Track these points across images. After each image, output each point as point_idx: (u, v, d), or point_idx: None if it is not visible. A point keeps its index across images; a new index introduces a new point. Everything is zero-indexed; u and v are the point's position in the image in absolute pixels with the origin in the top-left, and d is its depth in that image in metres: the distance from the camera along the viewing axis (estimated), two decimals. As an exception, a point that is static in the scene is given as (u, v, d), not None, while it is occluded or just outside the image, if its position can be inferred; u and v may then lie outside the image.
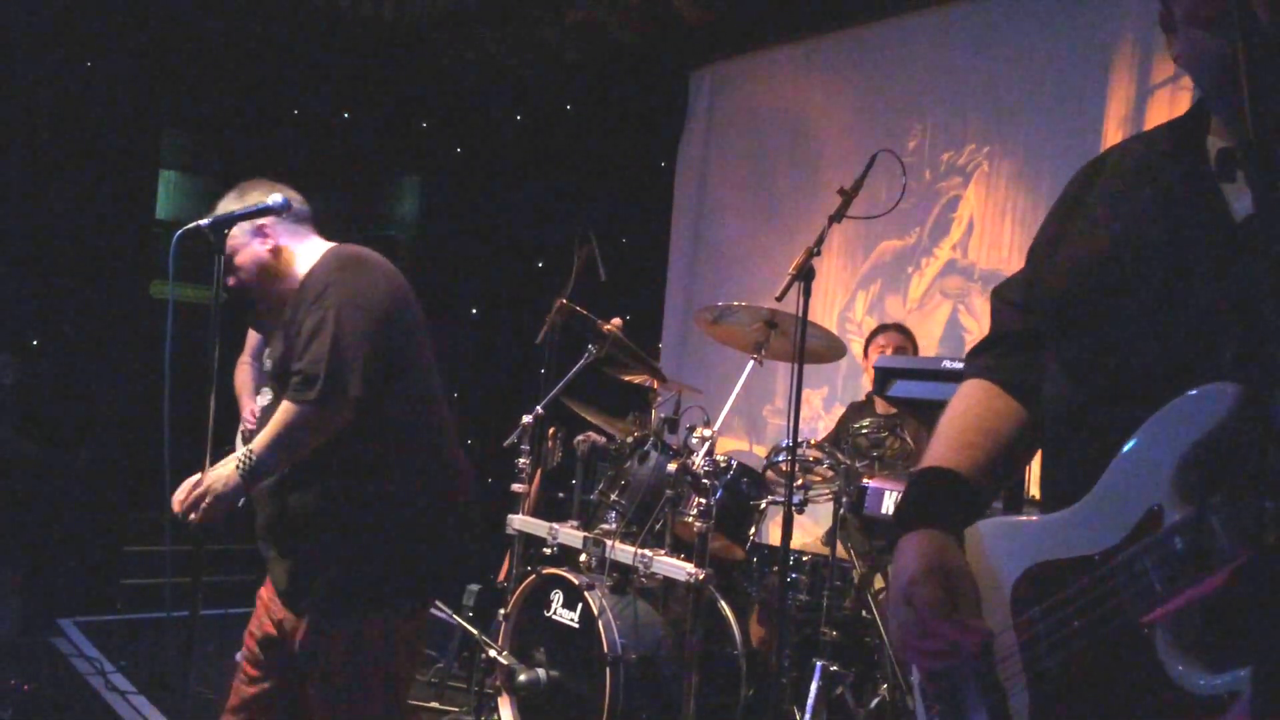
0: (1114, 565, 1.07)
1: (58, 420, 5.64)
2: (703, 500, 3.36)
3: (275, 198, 2.42)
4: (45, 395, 5.63)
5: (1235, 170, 1.15)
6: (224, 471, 2.28)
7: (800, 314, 3.04)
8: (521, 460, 3.95)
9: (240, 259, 2.46)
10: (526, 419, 3.94)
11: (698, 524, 3.31)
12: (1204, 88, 1.19)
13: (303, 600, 2.37)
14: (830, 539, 3.58)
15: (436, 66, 6.89)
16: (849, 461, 3.57)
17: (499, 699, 3.67)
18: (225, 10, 6.12)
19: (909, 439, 3.70)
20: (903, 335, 4.42)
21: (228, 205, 2.46)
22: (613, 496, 3.70)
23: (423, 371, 2.46)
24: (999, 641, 1.20)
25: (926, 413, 3.44)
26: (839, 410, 4.82)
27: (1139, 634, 1.03)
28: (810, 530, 4.62)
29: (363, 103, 7.01)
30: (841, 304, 5.43)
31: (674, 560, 3.37)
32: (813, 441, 3.69)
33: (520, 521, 3.92)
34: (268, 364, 2.47)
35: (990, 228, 4.74)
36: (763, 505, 3.77)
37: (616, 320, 4.10)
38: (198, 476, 2.40)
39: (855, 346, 4.77)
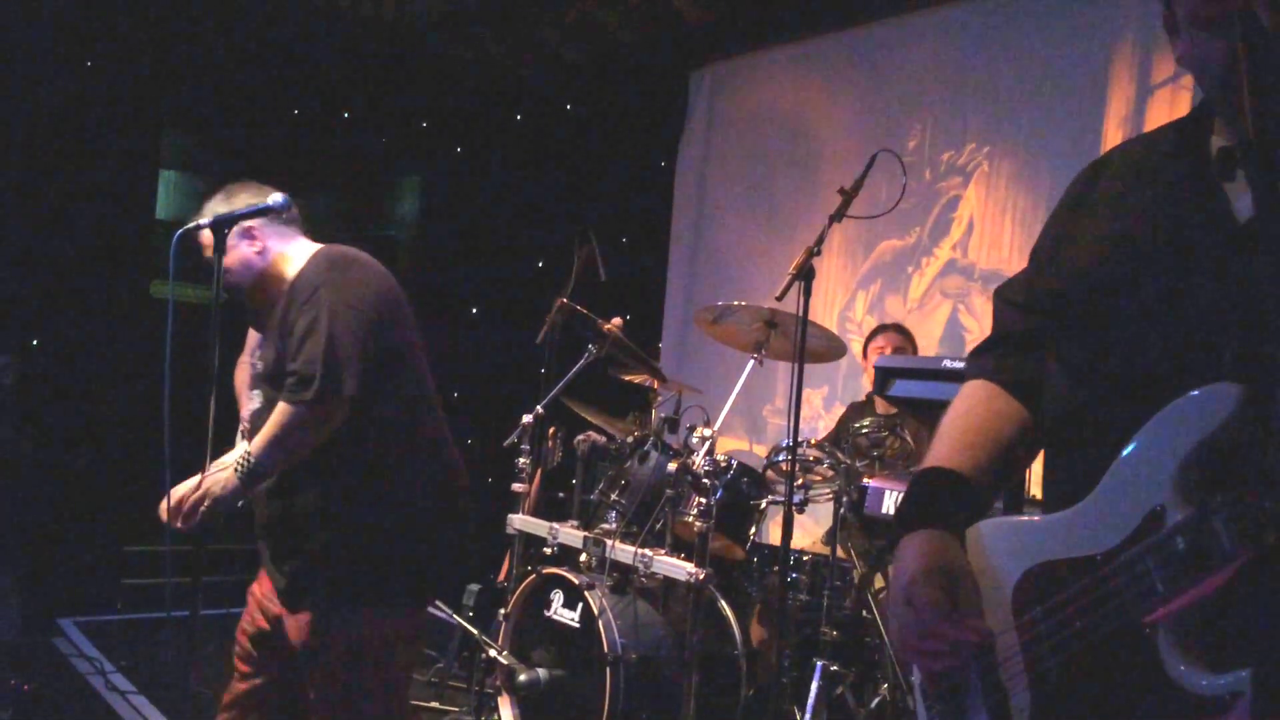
0: (1116, 565, 1.07)
1: (58, 420, 5.64)
2: (703, 500, 3.37)
3: (276, 198, 2.42)
4: (45, 395, 5.63)
5: (1235, 169, 1.15)
6: (222, 474, 2.29)
7: (800, 314, 3.04)
8: (522, 460, 3.95)
9: (228, 261, 2.47)
10: (526, 419, 3.93)
11: (698, 524, 3.31)
12: (1207, 89, 1.19)
13: (303, 599, 2.37)
14: (830, 539, 3.58)
15: (436, 66, 6.89)
16: (849, 461, 3.57)
17: (499, 699, 3.67)
18: (225, 10, 6.11)
19: (909, 439, 3.70)
20: (902, 335, 4.42)
21: (215, 207, 2.47)
22: (613, 496, 3.70)
23: (416, 370, 2.47)
24: (1001, 642, 1.20)
25: (927, 412, 3.44)
26: (839, 410, 4.82)
27: (1141, 634, 1.03)
28: (810, 530, 4.62)
29: (363, 102, 7.00)
30: (842, 304, 5.43)
31: (674, 560, 3.37)
32: (813, 441, 3.69)
33: (520, 521, 3.92)
34: (259, 366, 2.47)
35: (990, 227, 4.75)
36: (763, 505, 3.77)
37: (616, 320, 4.10)
38: (185, 486, 2.43)
39: (855, 346, 4.77)
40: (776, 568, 3.55)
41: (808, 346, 3.07)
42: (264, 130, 6.69)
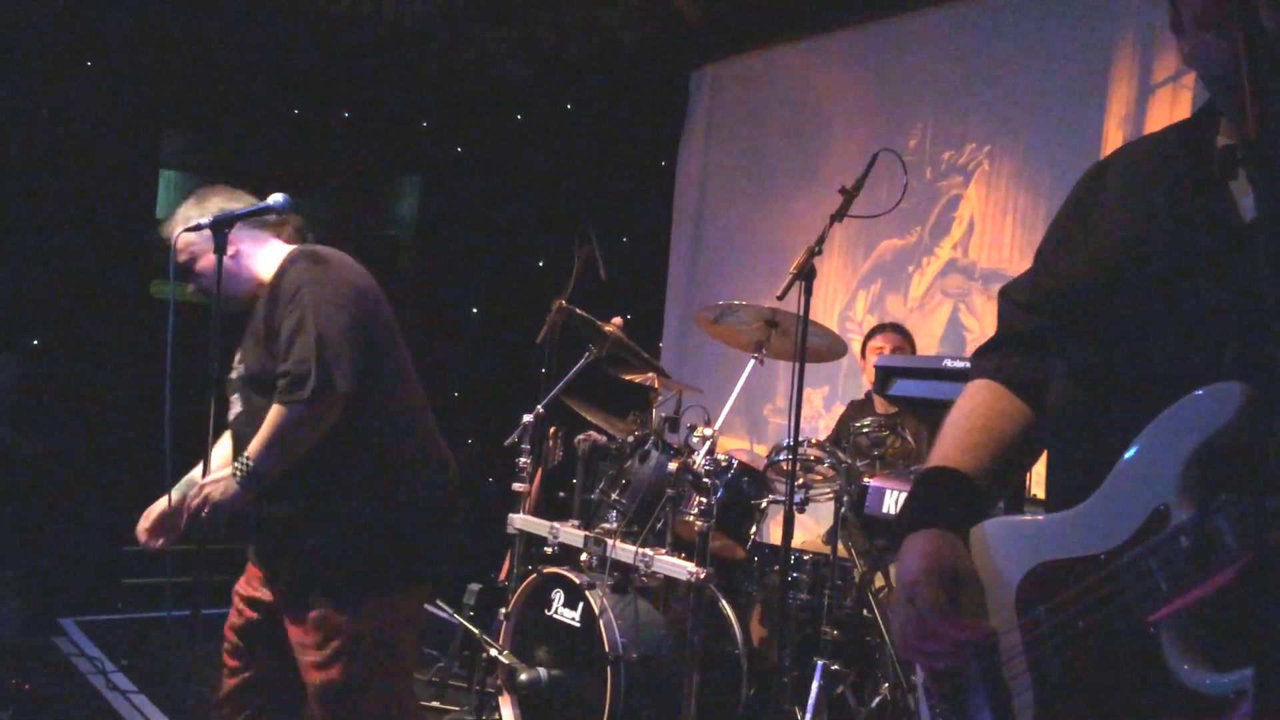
0: (1120, 565, 1.08)
1: (58, 419, 5.64)
2: (704, 499, 3.37)
3: (276, 198, 2.42)
4: (46, 395, 5.63)
5: (1236, 169, 1.15)
6: (222, 479, 2.29)
7: (801, 313, 3.04)
8: (522, 459, 3.95)
9: (200, 265, 2.47)
10: (527, 418, 3.94)
11: (699, 523, 3.31)
12: (1213, 89, 1.20)
13: (304, 597, 2.38)
14: (831, 538, 3.58)
15: (436, 66, 6.89)
16: (850, 461, 3.57)
17: (500, 698, 3.67)
18: (225, 10, 6.11)
19: (910, 438, 3.70)
20: (900, 335, 4.42)
21: (187, 212, 2.48)
22: (614, 496, 3.70)
23: (399, 363, 2.49)
24: (1004, 641, 1.20)
25: (927, 411, 3.44)
26: (840, 409, 4.82)
27: (1145, 633, 1.03)
28: (811, 529, 4.62)
29: (363, 102, 7.00)
30: (842, 303, 5.43)
31: (675, 559, 3.37)
32: (814, 440, 3.69)
33: (521, 521, 3.92)
34: (238, 370, 2.46)
35: (991, 227, 4.74)
36: (763, 504, 3.77)
37: (617, 320, 4.10)
38: (160, 504, 2.45)
39: (856, 346, 4.77)
40: (777, 567, 3.54)
41: (808, 346, 3.07)
42: (264, 130, 6.69)
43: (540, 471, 4.38)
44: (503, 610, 3.74)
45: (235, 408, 2.49)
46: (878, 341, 4.40)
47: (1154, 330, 1.15)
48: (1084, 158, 4.28)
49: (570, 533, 3.73)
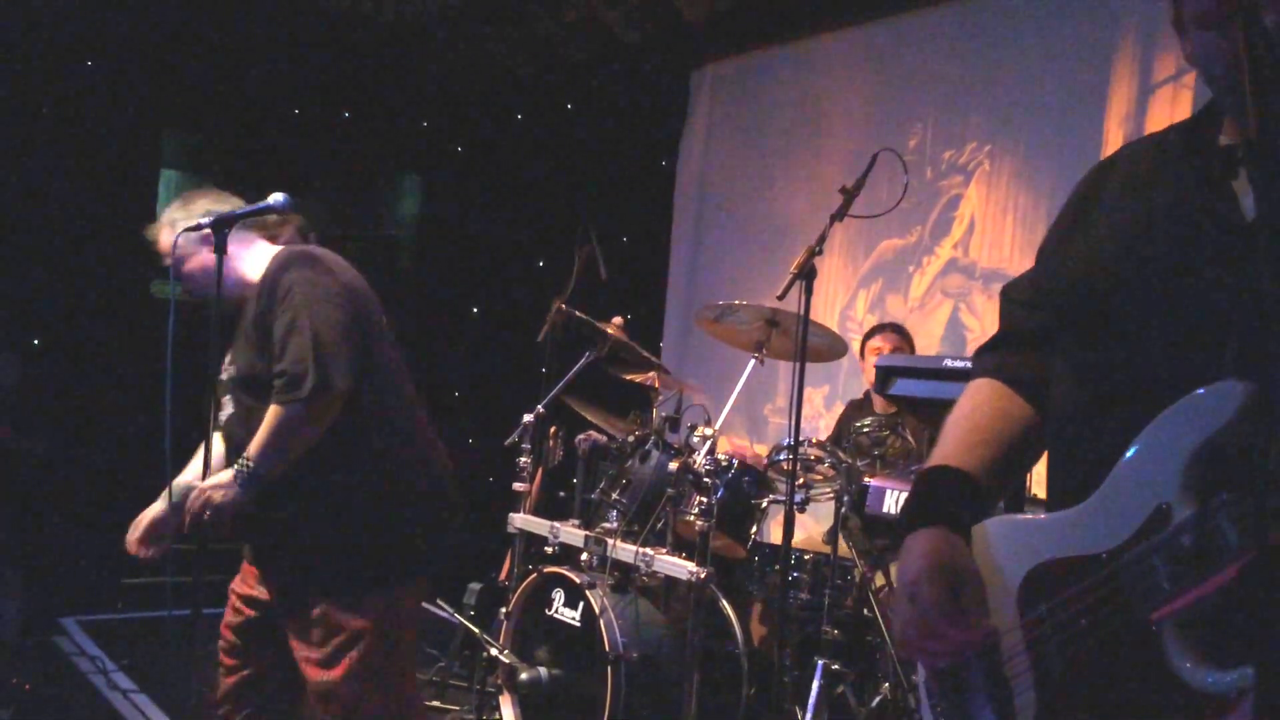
0: (1122, 563, 1.08)
1: (59, 419, 5.64)
2: (704, 499, 3.37)
3: (276, 197, 2.42)
4: (46, 394, 5.63)
5: (1237, 168, 1.16)
6: (223, 481, 2.29)
7: (802, 313, 3.04)
8: (523, 459, 3.96)
9: (189, 267, 2.47)
10: (528, 418, 3.94)
11: (699, 523, 3.31)
12: (1215, 88, 1.20)
13: (304, 596, 2.38)
14: (832, 538, 3.58)
15: (437, 65, 6.89)
16: (850, 460, 3.57)
17: (500, 698, 3.67)
18: (226, 10, 6.11)
19: (910, 438, 3.70)
20: (899, 335, 4.41)
21: (172, 215, 2.48)
22: (614, 495, 3.70)
23: (390, 360, 2.50)
24: (1005, 640, 1.20)
25: (927, 411, 3.44)
26: (840, 409, 4.82)
27: (1147, 632, 1.04)
28: (811, 529, 4.62)
29: (363, 101, 7.00)
30: (843, 303, 5.43)
31: (675, 559, 3.37)
32: (814, 440, 3.69)
33: (521, 520, 3.92)
34: (229, 372, 2.46)
35: (991, 226, 4.74)
36: (764, 504, 3.77)
37: (617, 319, 4.10)
38: (151, 511, 2.46)
39: (856, 345, 4.77)
40: (778, 567, 3.55)
41: (809, 345, 3.07)
42: (264, 130, 6.69)
43: (541, 471, 4.38)
44: (503, 610, 3.74)
45: (227, 409, 2.48)
46: (876, 342, 4.40)
47: (1155, 329, 1.15)
48: (1084, 157, 4.27)
49: (571, 532, 3.73)
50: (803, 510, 3.69)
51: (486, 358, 6.91)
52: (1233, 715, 0.96)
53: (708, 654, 3.38)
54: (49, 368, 5.68)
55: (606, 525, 3.65)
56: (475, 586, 4.35)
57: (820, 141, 5.61)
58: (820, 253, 3.05)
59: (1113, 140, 4.30)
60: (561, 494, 5.01)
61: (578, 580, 3.45)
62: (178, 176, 7.26)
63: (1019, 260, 4.55)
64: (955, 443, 1.36)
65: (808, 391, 4.82)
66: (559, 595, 3.55)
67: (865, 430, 3.73)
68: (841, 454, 3.58)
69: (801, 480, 3.62)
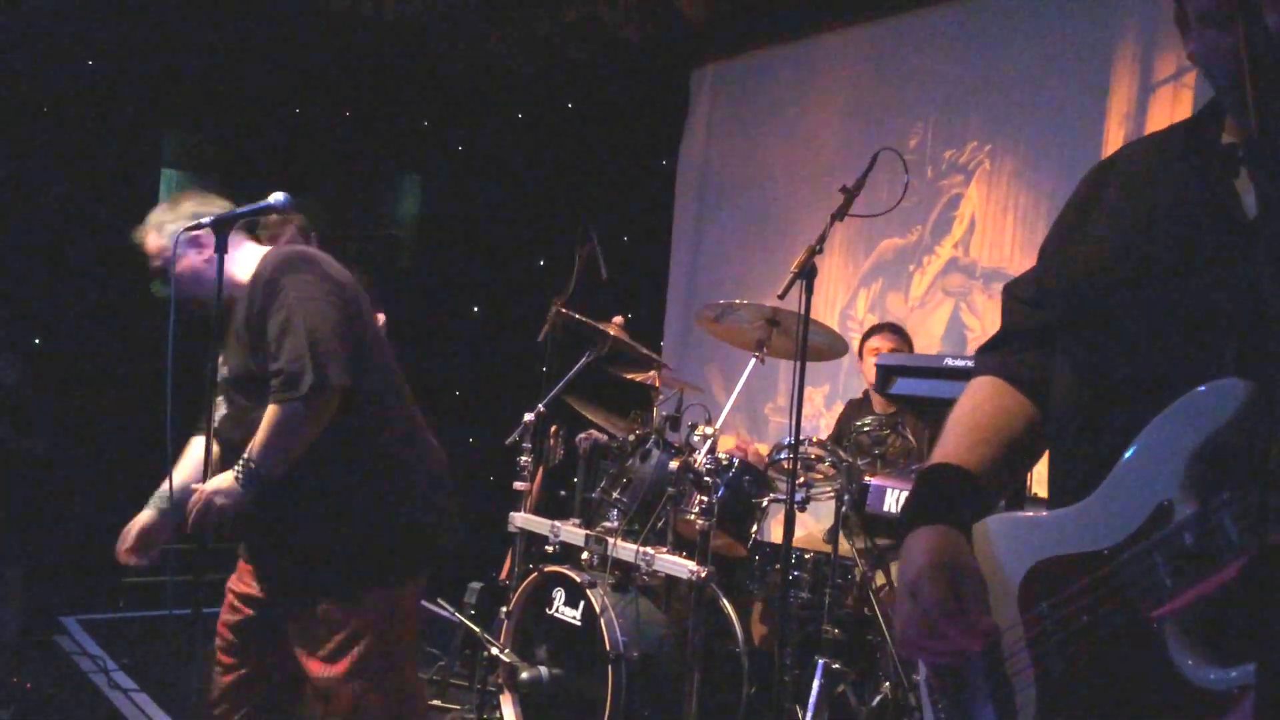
0: (1123, 560, 1.08)
1: (60, 419, 5.64)
2: (705, 498, 3.37)
3: (276, 196, 2.42)
4: (47, 394, 5.63)
5: (1238, 166, 1.16)
6: (224, 482, 2.29)
7: (802, 312, 3.04)
8: (523, 458, 3.96)
9: (177, 269, 2.47)
10: (528, 417, 3.94)
11: (700, 522, 3.31)
12: (1217, 87, 1.20)
13: (304, 594, 2.39)
14: (832, 537, 3.58)
15: (437, 65, 6.88)
16: (850, 459, 3.57)
17: (501, 697, 3.67)
18: (226, 9, 6.11)
19: (910, 437, 3.70)
20: (897, 336, 4.41)
21: (159, 217, 2.49)
22: (615, 494, 3.70)
23: (382, 357, 2.51)
24: (1006, 637, 1.20)
25: (928, 410, 3.44)
26: (840, 408, 4.82)
27: (1148, 629, 1.04)
28: (812, 528, 4.62)
29: (363, 101, 7.00)
30: (843, 302, 5.43)
31: (676, 558, 3.37)
32: (814, 439, 3.69)
33: (522, 519, 3.93)
34: (223, 373, 2.46)
35: (992, 226, 4.74)
36: (764, 503, 3.77)
37: (618, 318, 4.10)
38: (139, 520, 2.47)
39: (856, 344, 4.77)
40: (778, 566, 3.55)
41: (809, 345, 3.07)
42: (264, 129, 6.69)
43: (541, 470, 4.38)
44: (504, 609, 3.74)
45: (220, 410, 2.48)
46: (875, 342, 4.39)
47: (1157, 327, 1.16)
48: (1085, 156, 4.27)
49: (571, 531, 3.73)
50: (803, 509, 3.70)
51: (487, 357, 6.91)
52: (1234, 712, 0.96)
53: (708, 653, 3.38)
54: (50, 367, 5.68)
55: (607, 524, 3.65)
56: (476, 586, 4.35)
57: (820, 141, 5.61)
58: (821, 252, 3.05)
59: (1113, 140, 4.29)
60: (562, 493, 5.01)
61: (578, 579, 3.45)
62: (178, 176, 7.27)
63: (1020, 260, 4.55)
64: (956, 441, 1.36)
65: (808, 391, 4.83)
66: (560, 594, 3.55)
67: (866, 429, 3.73)
68: (842, 453, 3.58)
69: (802, 479, 3.62)
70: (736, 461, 3.72)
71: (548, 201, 6.81)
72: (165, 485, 2.54)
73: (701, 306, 3.89)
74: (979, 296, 4.74)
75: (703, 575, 3.23)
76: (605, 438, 4.11)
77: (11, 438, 5.25)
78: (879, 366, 3.24)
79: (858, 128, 5.40)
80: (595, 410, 4.20)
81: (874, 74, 5.36)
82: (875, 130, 5.20)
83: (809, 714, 3.26)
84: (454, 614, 3.99)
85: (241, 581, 2.53)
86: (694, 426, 3.73)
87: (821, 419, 5.32)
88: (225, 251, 2.37)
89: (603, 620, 3.30)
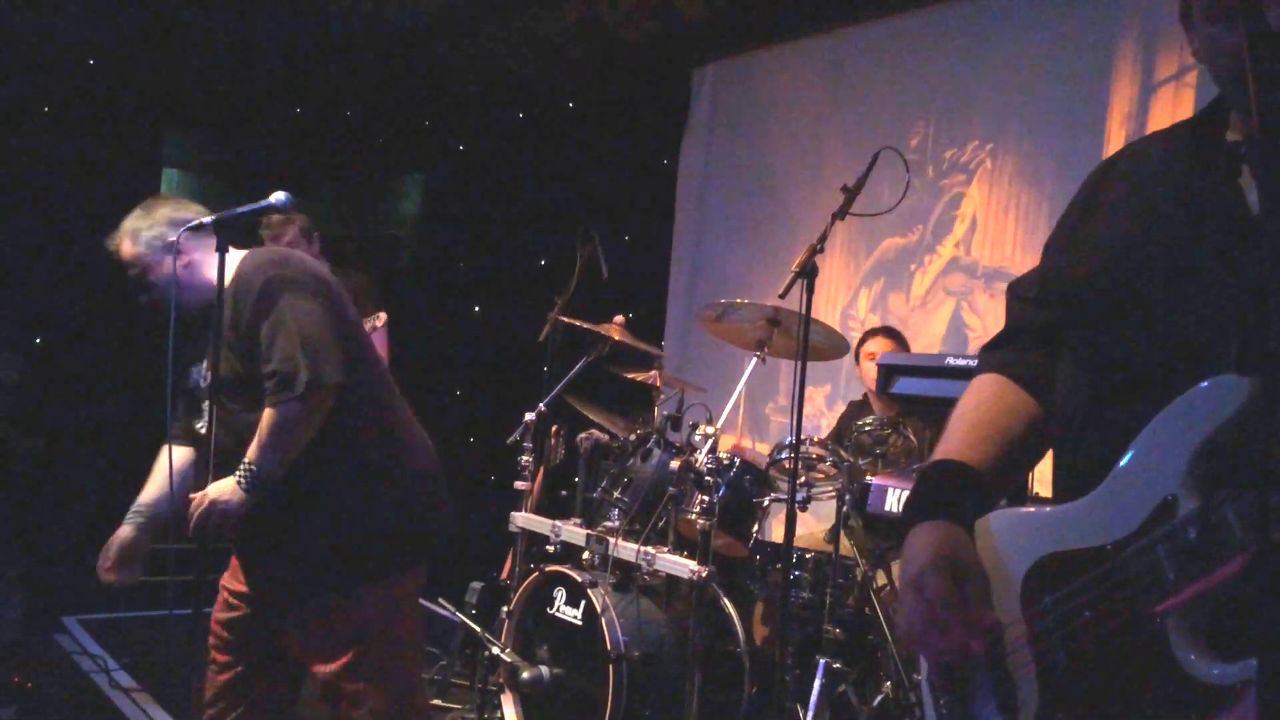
0: (1126, 555, 1.08)
1: (60, 418, 5.64)
2: (706, 498, 3.36)
3: (278, 196, 2.43)
4: (48, 393, 5.63)
5: (1240, 164, 1.16)
6: (226, 486, 2.29)
7: (804, 311, 3.03)
8: (524, 458, 3.96)
9: (155, 276, 2.46)
10: (529, 416, 3.94)
11: (700, 521, 3.31)
12: (1222, 83, 1.20)
13: (303, 591, 2.39)
14: (833, 536, 3.58)
15: (438, 64, 6.89)
16: (851, 459, 3.57)
17: (502, 696, 3.67)
18: (227, 9, 6.11)
19: (912, 436, 3.70)
20: (893, 339, 4.40)
21: (134, 223, 2.47)
22: (616, 494, 3.70)
23: (366, 350, 2.51)
24: (1009, 633, 1.20)
25: (928, 410, 3.44)
26: (841, 408, 4.81)
27: (1152, 624, 1.03)
28: (813, 527, 4.62)
29: (365, 100, 7.01)
30: (844, 301, 5.43)
31: (677, 558, 3.37)
32: (815, 439, 3.69)
33: (523, 519, 3.93)
34: (206, 379, 2.44)
35: (993, 225, 4.74)
36: (765, 503, 3.77)
37: (619, 318, 4.10)
38: (121, 535, 2.48)
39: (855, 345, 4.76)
40: (779, 565, 3.55)
41: (810, 344, 3.06)
42: (265, 129, 6.70)
43: (542, 470, 4.38)
44: (505, 608, 3.74)
45: (206, 416, 2.48)
46: (871, 346, 4.39)
47: (1161, 323, 1.16)
48: (1086, 155, 4.27)
49: (572, 531, 3.73)
50: (804, 509, 3.69)
51: (488, 356, 6.92)
52: (1237, 708, 0.96)
53: (709, 653, 3.38)
54: (50, 367, 5.69)
55: (608, 524, 3.65)
56: (477, 585, 4.35)
57: (821, 140, 5.61)
58: (822, 251, 3.04)
59: (1114, 139, 4.29)
60: (563, 493, 5.01)
61: (579, 579, 3.45)
62: (179, 175, 7.28)
63: (1021, 259, 4.54)
64: (959, 438, 1.36)
65: (809, 390, 4.82)
66: (560, 594, 3.55)
67: (867, 429, 3.73)
68: (843, 452, 3.58)
69: (803, 479, 3.62)
70: (738, 461, 3.72)
71: (549, 201, 6.82)
72: (140, 498, 2.54)
73: (702, 306, 3.89)
74: (980, 296, 4.73)
75: (704, 575, 3.23)
76: (606, 437, 4.11)
77: (12, 437, 5.26)
78: (880, 366, 3.23)
79: (858, 127, 5.40)
80: (596, 410, 4.20)
81: (875, 73, 5.36)
82: (876, 129, 5.20)
83: (810, 714, 3.25)
84: (455, 614, 3.99)
85: (235, 579, 2.53)
86: (695, 426, 3.73)
87: (823, 419, 5.32)
88: (225, 251, 2.37)
89: (604, 620, 3.30)
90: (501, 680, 3.67)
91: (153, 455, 2.63)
